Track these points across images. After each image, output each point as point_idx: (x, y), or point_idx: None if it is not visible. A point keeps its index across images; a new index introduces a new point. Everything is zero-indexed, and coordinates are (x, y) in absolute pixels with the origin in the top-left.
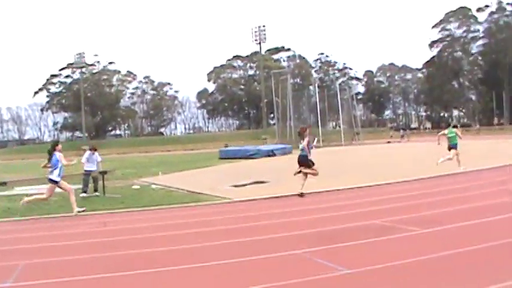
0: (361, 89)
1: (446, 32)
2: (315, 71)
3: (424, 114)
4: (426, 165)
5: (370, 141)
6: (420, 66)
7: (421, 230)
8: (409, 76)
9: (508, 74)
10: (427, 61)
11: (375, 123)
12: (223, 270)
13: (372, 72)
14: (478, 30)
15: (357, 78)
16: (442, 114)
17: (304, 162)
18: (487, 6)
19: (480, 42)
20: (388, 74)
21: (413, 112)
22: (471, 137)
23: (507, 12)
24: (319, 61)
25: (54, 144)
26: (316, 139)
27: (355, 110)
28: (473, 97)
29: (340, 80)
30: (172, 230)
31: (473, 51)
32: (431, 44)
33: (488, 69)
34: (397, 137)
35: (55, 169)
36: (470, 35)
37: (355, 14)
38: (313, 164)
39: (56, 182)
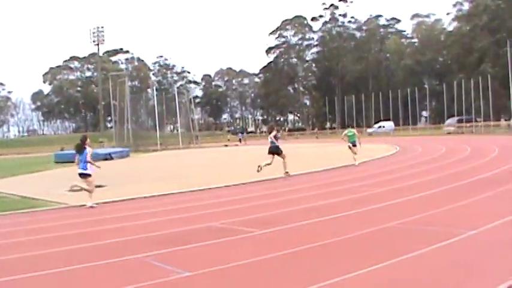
0: (199, 92)
1: (283, 39)
2: (154, 73)
3: (260, 118)
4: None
5: (208, 144)
6: (257, 71)
7: (259, 231)
8: (246, 81)
9: (340, 81)
10: (264, 66)
11: (213, 127)
12: (65, 278)
13: (210, 76)
14: (313, 39)
15: (195, 82)
16: (278, 118)
17: (275, 150)
18: (321, 16)
19: (314, 49)
20: (226, 78)
21: (250, 116)
22: (312, 140)
23: (339, 23)
24: (157, 64)
25: (84, 138)
26: (280, 132)
27: (193, 114)
28: (308, 102)
29: (178, 84)
30: (7, 238)
31: (307, 58)
32: (268, 50)
33: (321, 76)
34: (234, 141)
35: (84, 162)
36: (305, 42)
37: (194, 17)
38: (282, 151)
39: (90, 175)
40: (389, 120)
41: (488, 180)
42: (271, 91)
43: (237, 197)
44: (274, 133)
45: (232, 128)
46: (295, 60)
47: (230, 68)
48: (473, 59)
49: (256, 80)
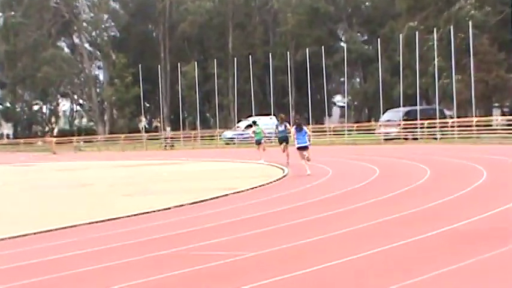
0: None
1: None
2: None
3: None
4: None
5: None
6: None
7: None
8: None
9: (167, 33)
10: None
11: None
12: None
13: None
14: None
15: None
16: (37, 108)
17: (286, 140)
18: None
19: None
20: None
21: None
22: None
23: None
24: None
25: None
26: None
27: None
28: (101, 76)
29: None
30: None
31: None
32: None
33: (130, 22)
34: None
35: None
36: None
37: None
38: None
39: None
40: (268, 114)
41: (465, 235)
42: (18, 50)
43: None
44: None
45: None
46: None
47: None
48: None
49: None
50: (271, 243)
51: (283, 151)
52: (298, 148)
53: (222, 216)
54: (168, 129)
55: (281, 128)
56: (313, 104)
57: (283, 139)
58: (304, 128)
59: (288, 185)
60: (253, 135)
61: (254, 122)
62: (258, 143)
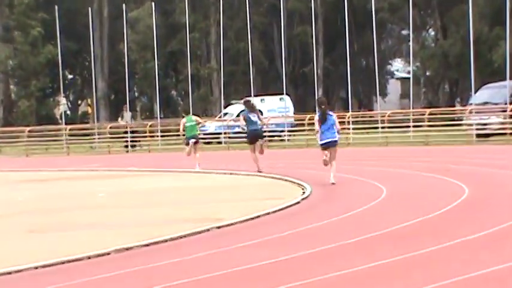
0: None
1: None
2: None
3: None
4: None
5: None
6: None
7: None
8: None
9: None
10: None
11: None
12: None
13: None
14: None
15: None
16: None
17: (260, 135)
18: None
19: None
20: None
21: None
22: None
23: None
24: None
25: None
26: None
27: None
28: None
29: None
30: None
31: None
32: None
33: None
34: None
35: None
36: None
37: None
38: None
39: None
40: (278, 93)
41: None
42: None
43: None
44: (258, 110)
45: None
46: None
47: None
48: None
49: None
50: None
51: (260, 152)
52: (323, 145)
53: (197, 269)
54: (129, 114)
55: (253, 118)
56: (354, 75)
57: (256, 135)
58: (332, 115)
59: (312, 212)
60: (183, 132)
61: (186, 112)
62: (194, 141)
